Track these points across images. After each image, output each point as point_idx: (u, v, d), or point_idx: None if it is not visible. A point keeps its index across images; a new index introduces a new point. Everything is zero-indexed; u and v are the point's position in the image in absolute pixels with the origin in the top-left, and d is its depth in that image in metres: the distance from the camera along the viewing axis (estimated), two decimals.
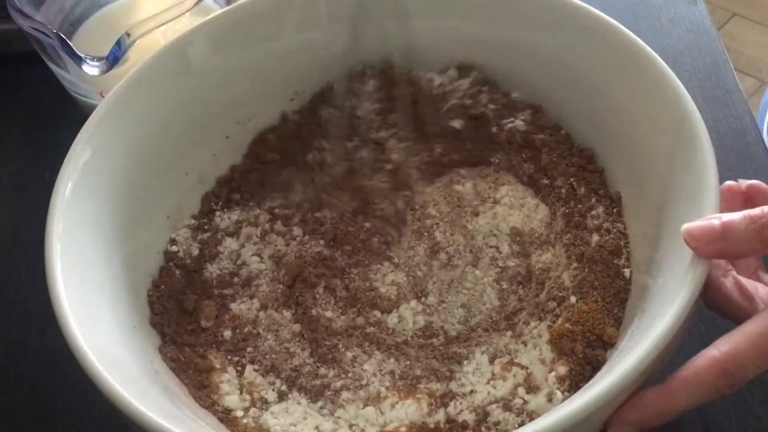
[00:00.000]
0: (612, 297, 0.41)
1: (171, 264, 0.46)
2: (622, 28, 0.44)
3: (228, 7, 0.48)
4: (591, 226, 0.44)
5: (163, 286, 0.45)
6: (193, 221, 0.48)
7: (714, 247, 0.34)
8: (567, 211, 0.46)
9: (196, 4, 0.51)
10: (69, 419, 0.47)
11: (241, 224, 0.48)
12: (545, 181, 0.47)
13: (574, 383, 0.38)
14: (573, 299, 0.42)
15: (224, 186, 0.50)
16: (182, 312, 0.45)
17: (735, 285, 0.39)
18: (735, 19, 1.74)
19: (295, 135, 0.52)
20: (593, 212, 0.45)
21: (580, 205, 0.46)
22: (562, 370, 0.39)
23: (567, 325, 0.40)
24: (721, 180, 0.37)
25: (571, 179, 0.46)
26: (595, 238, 0.44)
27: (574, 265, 0.43)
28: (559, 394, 0.38)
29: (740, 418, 0.44)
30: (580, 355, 0.39)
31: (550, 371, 0.39)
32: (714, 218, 0.34)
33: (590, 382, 0.37)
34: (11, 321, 0.52)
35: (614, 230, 0.44)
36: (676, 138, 0.39)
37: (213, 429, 0.38)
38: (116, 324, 0.40)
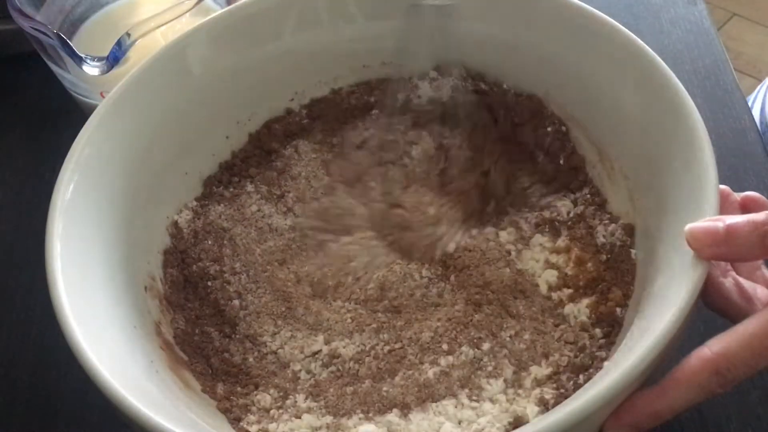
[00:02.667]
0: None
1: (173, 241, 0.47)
2: (622, 28, 0.44)
3: (228, 7, 0.48)
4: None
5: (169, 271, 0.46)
6: (195, 203, 0.49)
7: (716, 250, 0.33)
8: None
9: (196, 4, 0.51)
10: (69, 419, 0.47)
11: (236, 197, 0.49)
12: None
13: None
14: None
15: (225, 171, 0.51)
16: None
17: (734, 285, 0.39)
18: (735, 19, 1.74)
19: (300, 129, 0.52)
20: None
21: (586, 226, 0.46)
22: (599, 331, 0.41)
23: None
24: (721, 180, 0.37)
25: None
26: (600, 239, 0.45)
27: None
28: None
29: (740, 418, 0.44)
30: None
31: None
32: (718, 221, 0.34)
33: (590, 382, 0.37)
34: (11, 321, 0.52)
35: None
36: (676, 138, 0.39)
37: (214, 429, 0.38)
38: (116, 324, 0.40)
